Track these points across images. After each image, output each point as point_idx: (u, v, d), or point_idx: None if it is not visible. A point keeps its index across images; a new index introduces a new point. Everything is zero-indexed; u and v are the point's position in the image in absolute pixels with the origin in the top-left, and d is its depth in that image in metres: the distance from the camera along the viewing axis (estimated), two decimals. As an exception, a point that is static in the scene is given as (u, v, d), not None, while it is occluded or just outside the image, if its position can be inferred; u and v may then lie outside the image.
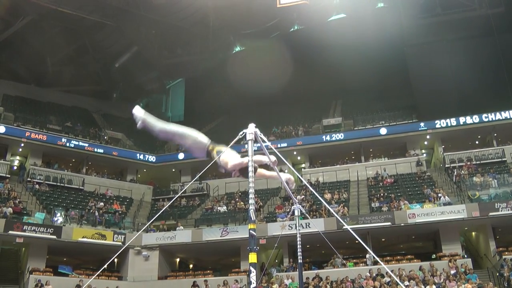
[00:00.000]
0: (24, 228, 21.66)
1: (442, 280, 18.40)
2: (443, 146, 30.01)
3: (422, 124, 29.94)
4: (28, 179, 27.53)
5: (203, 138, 5.06)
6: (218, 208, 26.82)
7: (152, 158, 32.93)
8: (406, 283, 17.43)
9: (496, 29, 29.90)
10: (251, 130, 4.34)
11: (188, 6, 34.21)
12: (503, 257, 19.47)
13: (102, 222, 24.94)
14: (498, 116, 28.50)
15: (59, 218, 23.99)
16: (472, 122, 28.95)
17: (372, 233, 22.36)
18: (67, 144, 30.13)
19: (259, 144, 4.55)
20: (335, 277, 20.09)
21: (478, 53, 30.31)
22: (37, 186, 27.05)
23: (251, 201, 4.10)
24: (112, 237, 23.43)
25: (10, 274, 22.67)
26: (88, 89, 40.72)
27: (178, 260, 26.91)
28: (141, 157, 32.74)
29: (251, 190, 4.14)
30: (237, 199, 27.33)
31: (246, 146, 4.34)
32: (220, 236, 23.33)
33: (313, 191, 7.04)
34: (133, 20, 34.78)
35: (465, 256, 20.98)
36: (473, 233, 24.09)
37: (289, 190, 5.70)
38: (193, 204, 28.91)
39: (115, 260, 24.08)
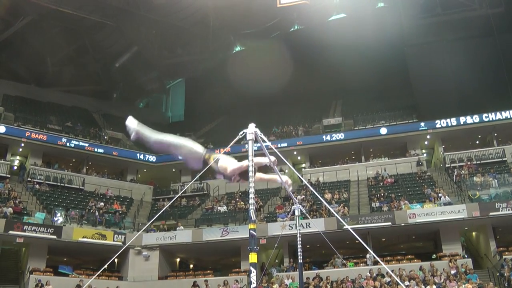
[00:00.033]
0: (24, 228, 21.65)
1: (442, 280, 18.39)
2: (443, 146, 30.00)
3: (422, 124, 29.93)
4: (28, 179, 27.53)
5: (198, 148, 4.98)
6: (219, 208, 26.81)
7: (152, 158, 32.92)
8: (407, 283, 17.42)
9: (496, 29, 29.91)
10: (251, 130, 4.34)
11: (188, 6, 34.21)
12: (504, 257, 19.45)
13: (103, 222, 24.94)
14: (498, 116, 28.49)
15: (59, 218, 24.00)
16: (472, 122, 28.94)
17: (373, 233, 22.35)
18: (67, 144, 30.13)
19: (259, 144, 4.54)
20: (336, 277, 20.08)
21: (478, 53, 30.31)
22: (37, 186, 27.05)
23: (251, 201, 4.09)
24: (113, 237, 23.42)
25: (10, 274, 22.67)
26: (88, 89, 40.71)
27: (178, 260, 26.91)
28: (141, 157, 32.73)
29: (251, 190, 4.14)
30: (237, 199, 27.33)
31: (246, 146, 4.33)
32: (220, 236, 23.33)
33: (313, 191, 7.05)
34: (133, 20, 34.78)
35: (466, 256, 20.97)
36: (474, 233, 24.08)
37: (289, 191, 5.70)
38: (193, 204, 28.91)
39: (116, 260, 24.08)
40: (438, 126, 29.40)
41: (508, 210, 20.43)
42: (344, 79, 35.01)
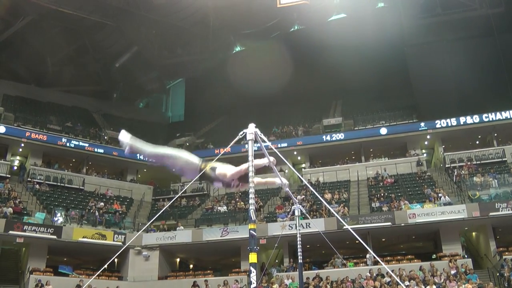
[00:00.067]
0: (24, 228, 21.65)
1: (442, 280, 18.39)
2: (443, 146, 30.00)
3: (422, 124, 29.93)
4: (28, 179, 27.53)
5: (194, 158, 4.93)
6: (218, 208, 26.82)
7: (152, 158, 32.82)
8: (407, 283, 17.42)
9: (496, 29, 29.94)
10: (251, 130, 4.34)
11: (188, 6, 34.21)
12: (504, 257, 19.45)
13: (103, 222, 24.94)
14: (498, 116, 28.49)
15: (59, 218, 24.00)
16: (472, 122, 28.94)
17: (373, 233, 22.36)
18: (67, 144, 30.12)
19: (259, 144, 4.55)
20: (335, 277, 20.09)
21: (478, 53, 30.31)
22: (37, 186, 27.05)
23: (251, 201, 4.10)
24: (112, 237, 23.43)
25: (10, 274, 22.67)
26: (88, 89, 40.70)
27: (178, 260, 26.91)
28: (142, 157, 32.60)
29: (251, 190, 4.14)
30: (237, 199, 27.33)
31: (246, 146, 4.34)
32: (220, 236, 23.33)
33: (313, 191, 7.05)
34: (133, 20, 34.78)
35: (466, 256, 20.97)
36: (474, 233, 24.07)
37: (289, 191, 5.70)
38: (193, 204, 28.91)
39: (115, 260, 24.09)
40: (438, 126, 29.40)
41: (508, 210, 20.43)
42: (344, 79, 34.99)
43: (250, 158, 4.24)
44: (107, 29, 35.37)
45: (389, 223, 21.64)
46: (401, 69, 32.98)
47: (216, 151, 29.78)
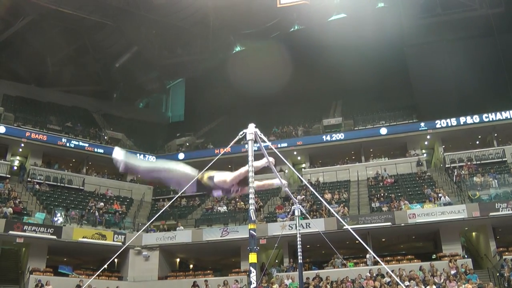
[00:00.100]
0: (24, 228, 21.65)
1: (442, 280, 18.39)
2: (443, 146, 30.00)
3: (422, 124, 29.92)
4: (28, 179, 27.52)
5: (190, 170, 4.82)
6: (218, 208, 26.82)
7: (152, 158, 32.86)
8: (407, 283, 17.42)
9: (496, 29, 29.94)
10: (251, 130, 4.34)
11: (188, 6, 34.22)
12: (504, 257, 19.46)
13: (102, 222, 24.93)
14: (498, 116, 28.48)
15: (59, 218, 24.00)
16: (472, 122, 28.93)
17: (372, 233, 22.36)
18: (67, 144, 30.13)
19: (259, 144, 4.54)
20: (335, 277, 20.09)
21: (478, 53, 30.32)
22: (37, 186, 27.05)
23: (251, 201, 4.10)
24: (112, 237, 23.42)
25: (10, 274, 22.67)
26: (88, 89, 40.71)
27: (178, 260, 26.91)
28: (141, 157, 32.61)
29: (251, 190, 4.14)
30: (237, 199, 27.31)
31: (246, 146, 4.33)
32: (220, 236, 23.33)
33: (313, 191, 7.05)
34: (133, 20, 34.78)
35: (466, 256, 20.98)
36: (474, 233, 24.07)
37: (289, 191, 5.69)
38: (193, 204, 28.92)
39: (115, 260, 24.09)
40: (438, 126, 29.39)
41: (508, 210, 20.43)
42: (344, 79, 34.98)
43: (250, 158, 4.24)
44: (107, 29, 35.37)
45: (389, 223, 21.65)
46: (401, 69, 32.98)
47: (216, 151, 29.81)
